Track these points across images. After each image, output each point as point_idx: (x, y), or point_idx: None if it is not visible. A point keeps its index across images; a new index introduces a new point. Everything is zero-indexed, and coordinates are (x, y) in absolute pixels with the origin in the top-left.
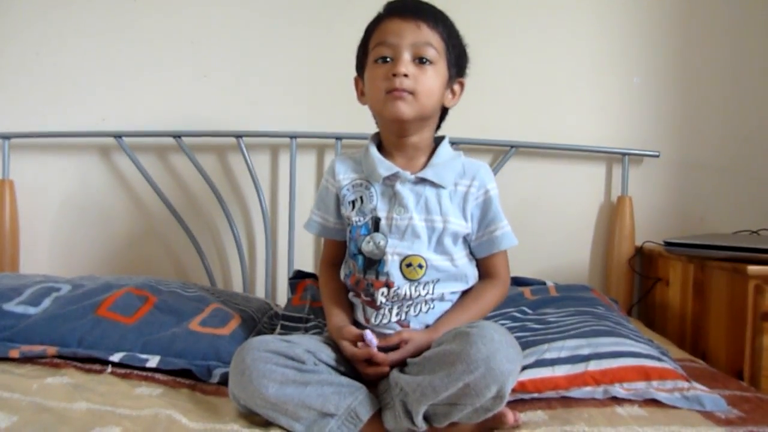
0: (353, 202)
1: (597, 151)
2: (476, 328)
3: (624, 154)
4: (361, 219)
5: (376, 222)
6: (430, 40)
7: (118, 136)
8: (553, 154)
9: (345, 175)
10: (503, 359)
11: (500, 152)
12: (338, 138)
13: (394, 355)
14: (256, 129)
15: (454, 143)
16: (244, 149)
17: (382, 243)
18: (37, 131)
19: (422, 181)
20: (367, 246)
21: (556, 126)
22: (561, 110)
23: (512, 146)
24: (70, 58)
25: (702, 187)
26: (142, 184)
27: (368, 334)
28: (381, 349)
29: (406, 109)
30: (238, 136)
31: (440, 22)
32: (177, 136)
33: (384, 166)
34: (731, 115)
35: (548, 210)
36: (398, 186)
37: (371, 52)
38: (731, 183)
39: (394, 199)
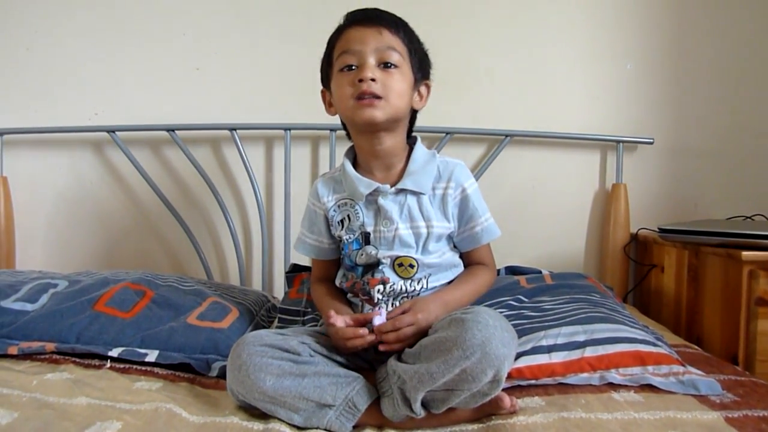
0: (342, 222)
1: (591, 139)
2: (471, 314)
3: (618, 142)
4: (351, 236)
5: (366, 236)
6: (393, 45)
7: (111, 130)
8: (548, 142)
9: (329, 197)
10: (498, 344)
11: (495, 141)
12: (332, 130)
13: (405, 326)
14: (251, 121)
15: (449, 133)
16: (239, 142)
17: (373, 252)
18: (29, 127)
19: (402, 191)
20: (360, 259)
21: (551, 114)
22: (555, 98)
23: (507, 135)
24: (61, 52)
25: (696, 174)
26: (136, 178)
27: (376, 320)
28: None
29: (377, 112)
30: (233, 128)
31: (401, 28)
32: (170, 129)
33: (363, 184)
34: (725, 101)
35: (543, 198)
36: (381, 200)
37: (336, 62)
38: (725, 169)
39: (379, 213)
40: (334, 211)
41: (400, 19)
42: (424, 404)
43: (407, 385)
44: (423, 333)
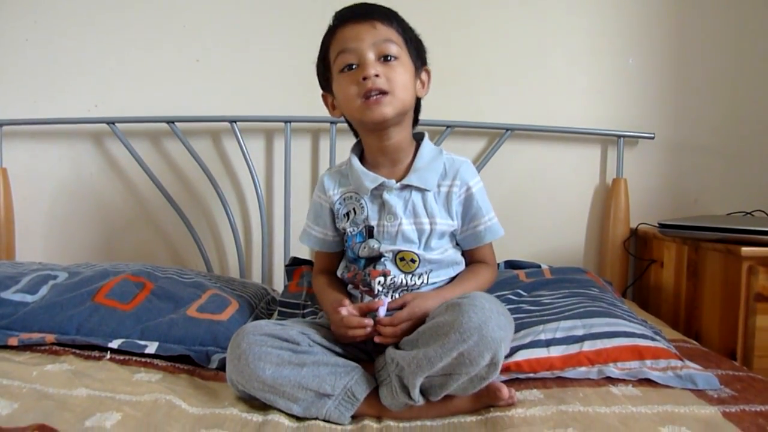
0: (347, 215)
1: (592, 133)
2: (467, 299)
3: (619, 136)
4: (355, 229)
5: (369, 230)
6: (390, 36)
7: (111, 122)
8: (549, 136)
9: (335, 190)
10: (495, 326)
11: (496, 135)
12: (333, 122)
13: (402, 322)
14: (251, 113)
15: (449, 126)
16: (239, 134)
17: (376, 246)
18: (29, 118)
19: (407, 186)
20: (363, 252)
21: (551, 108)
22: (556, 92)
23: (507, 129)
24: (61, 44)
25: (696, 169)
26: (136, 170)
27: (381, 312)
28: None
29: (386, 109)
30: (233, 120)
31: (393, 18)
32: (170, 121)
33: (369, 179)
34: (726, 96)
35: (544, 192)
36: (385, 195)
37: (335, 64)
38: (725, 164)
39: (383, 207)
40: (340, 204)
41: (389, 9)
42: (423, 392)
43: (405, 371)
44: (420, 322)
